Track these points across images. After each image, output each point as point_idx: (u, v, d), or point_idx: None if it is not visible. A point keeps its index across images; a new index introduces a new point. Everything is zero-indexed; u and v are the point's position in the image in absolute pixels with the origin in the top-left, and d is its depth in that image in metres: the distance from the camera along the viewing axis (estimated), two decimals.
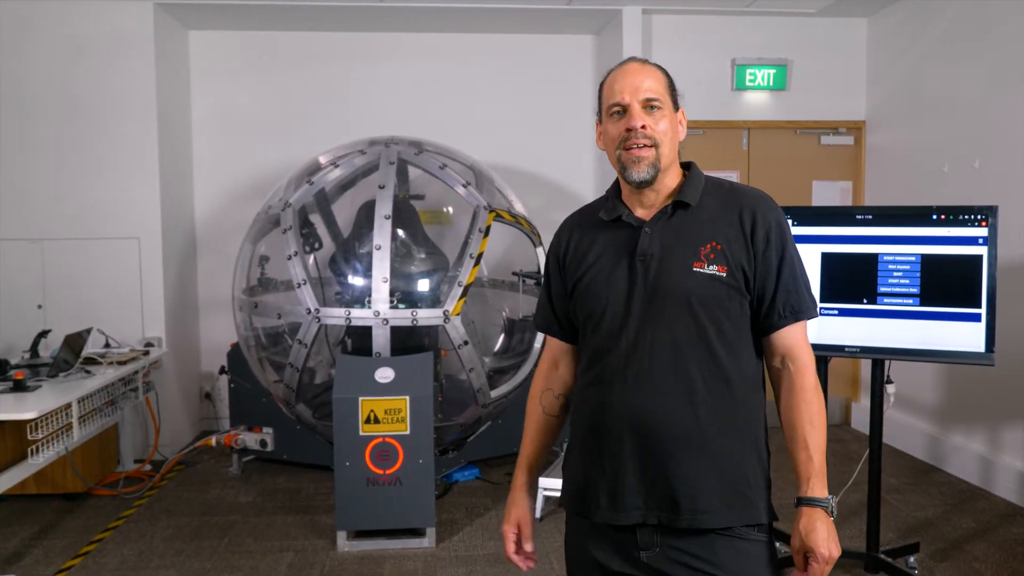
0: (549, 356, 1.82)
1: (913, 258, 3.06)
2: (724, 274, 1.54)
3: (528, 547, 1.76)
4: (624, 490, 1.54)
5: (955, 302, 3.00)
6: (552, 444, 1.84)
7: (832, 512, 1.52)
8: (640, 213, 1.63)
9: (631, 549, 1.56)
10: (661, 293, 1.55)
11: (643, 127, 1.56)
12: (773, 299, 1.57)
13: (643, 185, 1.59)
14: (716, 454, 1.52)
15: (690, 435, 1.51)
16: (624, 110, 1.58)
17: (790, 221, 3.15)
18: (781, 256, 1.56)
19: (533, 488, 1.83)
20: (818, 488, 1.52)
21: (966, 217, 2.98)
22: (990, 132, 4.37)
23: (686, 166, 1.69)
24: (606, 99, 1.62)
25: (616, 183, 1.70)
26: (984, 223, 2.95)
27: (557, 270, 1.74)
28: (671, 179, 1.63)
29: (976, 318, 2.96)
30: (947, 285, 3.01)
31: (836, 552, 1.50)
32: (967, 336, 2.97)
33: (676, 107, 1.64)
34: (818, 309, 1.61)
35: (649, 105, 1.57)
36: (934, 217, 3.03)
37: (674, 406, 1.52)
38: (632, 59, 1.65)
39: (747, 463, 1.55)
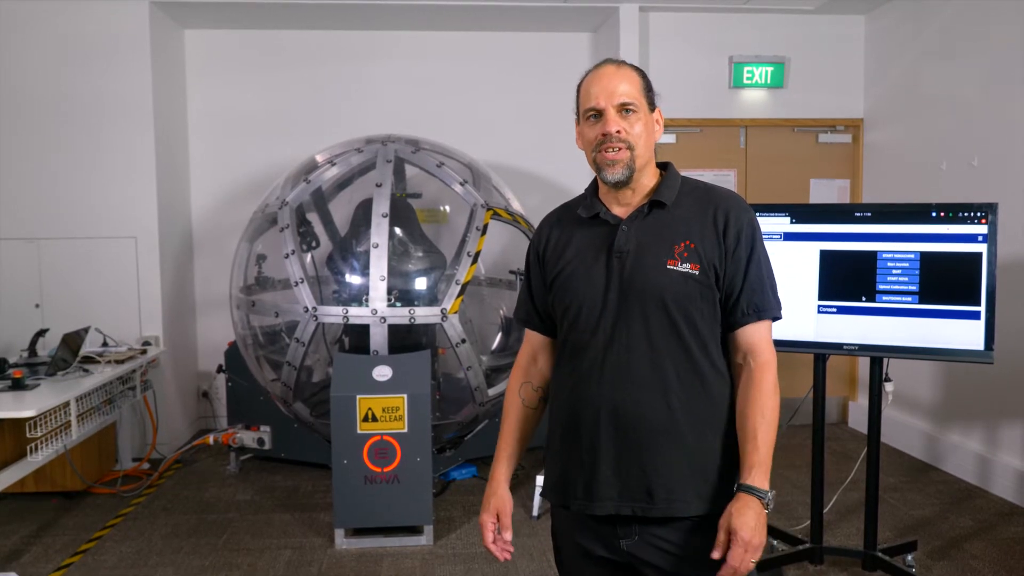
0: (528, 350, 1.85)
1: (912, 255, 3.05)
2: (696, 272, 1.58)
3: (507, 536, 1.83)
4: (599, 481, 1.60)
5: (954, 300, 2.98)
6: (531, 436, 1.86)
7: (768, 505, 1.52)
8: (617, 211, 1.68)
9: (611, 537, 1.62)
10: (636, 290, 1.59)
11: (618, 132, 1.59)
12: (738, 297, 1.61)
13: (619, 185, 1.64)
14: (690, 446, 1.58)
15: (665, 428, 1.57)
16: (599, 114, 1.61)
17: (788, 219, 3.15)
18: (749, 256, 1.61)
19: (514, 480, 1.88)
20: (759, 479, 1.53)
21: (965, 215, 2.97)
22: (988, 129, 4.37)
23: (663, 166, 1.72)
24: (582, 103, 1.66)
25: (594, 181, 1.74)
26: (984, 220, 2.94)
27: (537, 265, 1.79)
28: (647, 179, 1.68)
29: (975, 316, 2.95)
30: (946, 283, 3.00)
31: (760, 539, 1.49)
32: (966, 334, 2.96)
33: (652, 107, 1.67)
34: (782, 311, 1.66)
35: (624, 109, 1.61)
36: (933, 215, 3.02)
37: (649, 400, 1.57)
38: (608, 61, 1.67)
39: (719, 454, 1.60)
